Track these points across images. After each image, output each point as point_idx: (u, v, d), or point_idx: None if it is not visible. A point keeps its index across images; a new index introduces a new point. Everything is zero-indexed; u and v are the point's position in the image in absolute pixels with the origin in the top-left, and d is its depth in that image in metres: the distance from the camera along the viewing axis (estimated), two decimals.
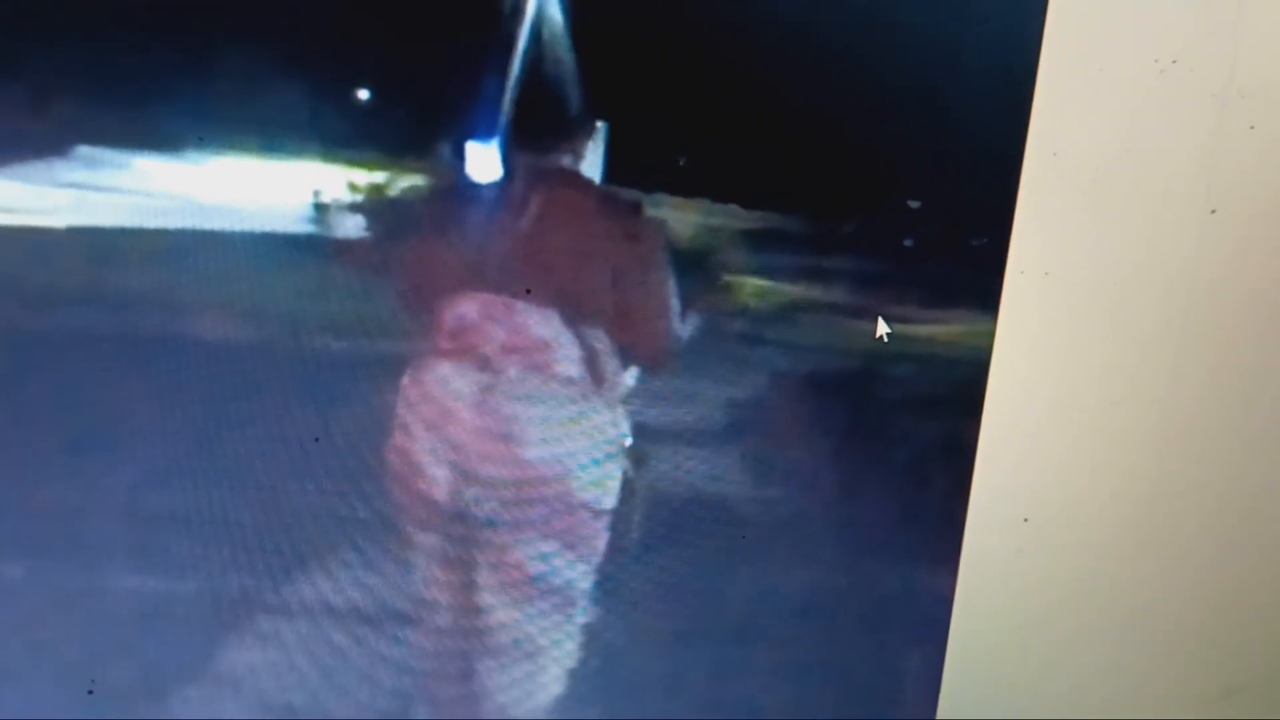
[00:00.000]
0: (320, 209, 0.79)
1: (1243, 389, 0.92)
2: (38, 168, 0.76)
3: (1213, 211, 0.88)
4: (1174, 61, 0.86)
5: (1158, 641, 0.96)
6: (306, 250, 0.80)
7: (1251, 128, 0.87)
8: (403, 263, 0.83)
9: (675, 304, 0.87)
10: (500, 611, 0.89)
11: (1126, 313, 0.89)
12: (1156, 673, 0.96)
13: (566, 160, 0.84)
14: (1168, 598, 0.95)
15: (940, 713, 0.94)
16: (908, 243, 0.88)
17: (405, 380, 0.85)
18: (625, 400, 0.88)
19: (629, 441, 0.89)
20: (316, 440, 0.82)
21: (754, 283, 0.87)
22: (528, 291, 0.84)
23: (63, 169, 0.76)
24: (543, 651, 0.90)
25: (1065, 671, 0.96)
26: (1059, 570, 0.93)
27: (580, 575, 0.89)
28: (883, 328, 0.88)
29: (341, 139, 0.78)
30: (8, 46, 0.75)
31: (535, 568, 0.89)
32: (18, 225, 0.77)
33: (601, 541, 0.89)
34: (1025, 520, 0.92)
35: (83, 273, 0.78)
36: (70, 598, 0.81)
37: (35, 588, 0.81)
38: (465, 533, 0.87)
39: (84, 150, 0.76)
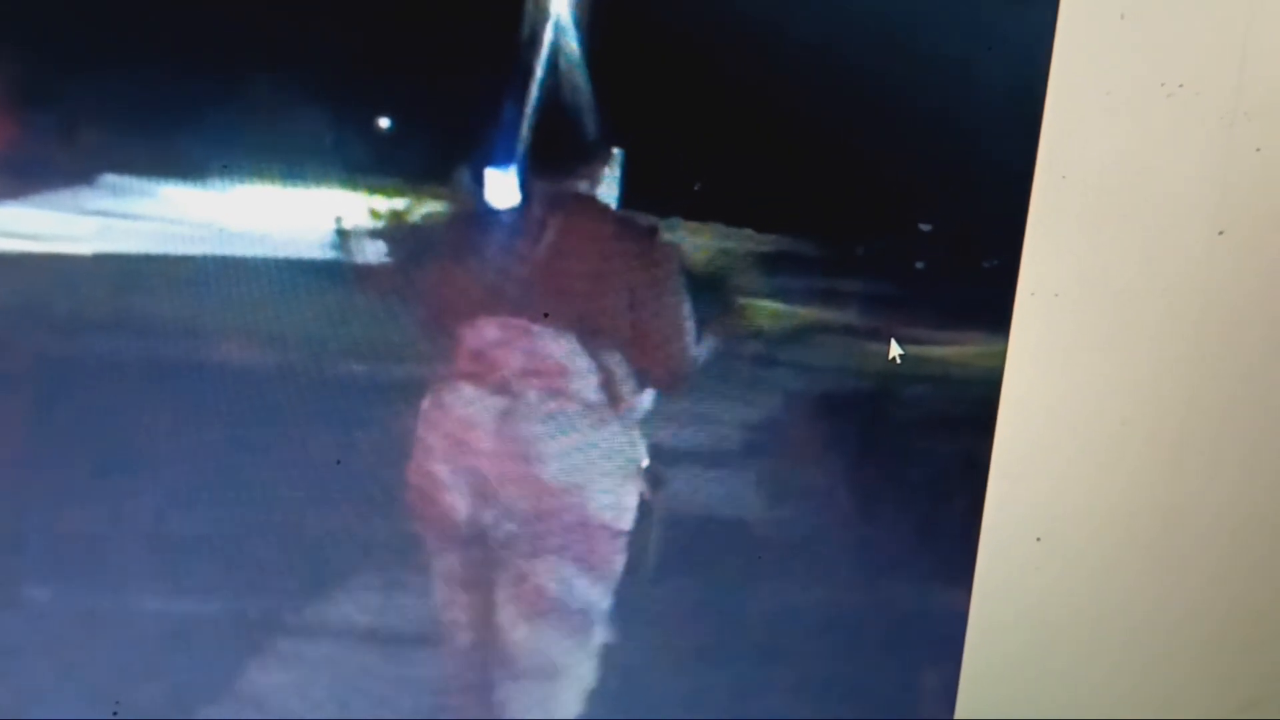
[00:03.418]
0: (342, 235, 0.80)
1: (1252, 406, 0.93)
2: (64, 196, 0.77)
3: (1220, 232, 0.89)
4: (1181, 85, 0.87)
5: (1172, 658, 0.96)
6: (328, 276, 0.81)
7: (1258, 150, 0.88)
8: (423, 287, 0.84)
9: (691, 327, 0.88)
10: (519, 632, 0.89)
11: (1136, 332, 0.90)
12: (1172, 689, 0.97)
13: (583, 186, 0.85)
14: (1180, 614, 0.96)
15: None
16: (919, 265, 0.89)
17: (425, 403, 0.86)
18: (642, 422, 0.89)
19: (646, 463, 0.89)
20: (338, 463, 0.83)
21: (768, 305, 0.88)
22: (545, 315, 0.85)
23: (89, 197, 0.77)
24: (562, 671, 0.90)
25: (1080, 689, 0.96)
26: (1072, 588, 0.94)
27: (598, 595, 0.90)
28: (895, 349, 0.89)
29: (363, 166, 0.80)
30: (35, 77, 0.76)
31: (554, 588, 0.89)
32: (45, 252, 0.78)
33: (619, 562, 0.90)
34: (1038, 539, 0.93)
35: (108, 299, 0.79)
36: (95, 620, 0.82)
37: (61, 610, 0.81)
38: (484, 554, 0.88)
39: (110, 178, 0.77)
